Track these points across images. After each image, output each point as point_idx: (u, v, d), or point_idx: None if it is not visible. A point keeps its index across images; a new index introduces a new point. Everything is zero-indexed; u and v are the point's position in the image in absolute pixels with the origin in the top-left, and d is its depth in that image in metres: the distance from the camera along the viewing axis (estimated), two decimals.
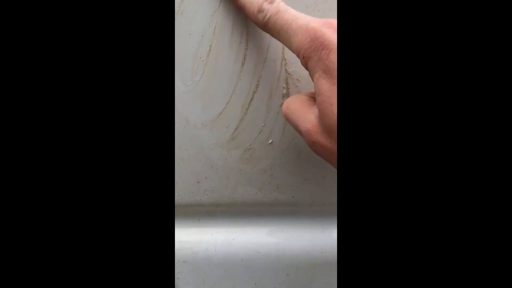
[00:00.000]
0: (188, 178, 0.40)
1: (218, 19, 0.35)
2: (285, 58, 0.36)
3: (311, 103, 0.29)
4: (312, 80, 0.27)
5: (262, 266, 0.43)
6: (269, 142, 0.39)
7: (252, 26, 0.35)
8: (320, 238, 0.43)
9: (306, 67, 0.27)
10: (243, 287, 0.44)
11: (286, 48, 0.35)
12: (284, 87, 0.36)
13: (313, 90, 0.28)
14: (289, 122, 0.31)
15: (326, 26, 0.26)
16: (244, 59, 0.36)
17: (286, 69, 0.36)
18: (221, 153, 0.39)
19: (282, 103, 0.37)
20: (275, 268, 0.43)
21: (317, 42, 0.25)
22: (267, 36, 0.34)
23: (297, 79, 0.36)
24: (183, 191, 0.41)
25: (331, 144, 0.26)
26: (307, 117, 0.28)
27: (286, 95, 0.37)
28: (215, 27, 0.35)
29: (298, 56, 0.27)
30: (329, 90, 0.25)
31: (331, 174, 0.40)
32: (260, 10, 0.29)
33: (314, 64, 0.26)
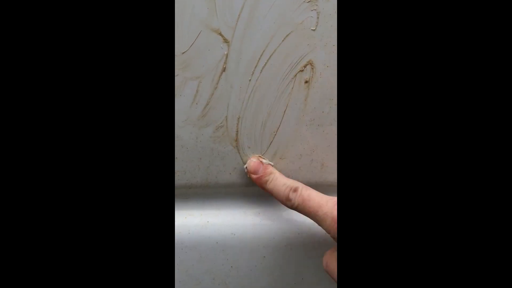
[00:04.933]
0: None
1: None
2: None
3: None
4: None
5: (238, 248, 0.39)
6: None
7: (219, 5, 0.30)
8: (297, 219, 0.39)
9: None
10: (219, 270, 0.39)
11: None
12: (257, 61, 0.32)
13: None
14: (330, 276, 0.32)
15: None
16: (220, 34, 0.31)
17: None
18: (192, 131, 0.34)
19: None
20: (251, 250, 0.39)
21: None
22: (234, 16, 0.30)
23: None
24: None
25: None
26: None
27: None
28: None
29: (328, 234, 0.30)
30: None
31: (306, 153, 0.36)
32: (288, 200, 0.33)
33: None
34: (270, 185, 0.35)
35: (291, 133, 0.35)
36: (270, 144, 0.35)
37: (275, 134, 0.35)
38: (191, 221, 0.39)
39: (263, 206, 0.39)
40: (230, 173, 0.36)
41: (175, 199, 0.38)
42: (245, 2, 0.30)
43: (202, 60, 0.31)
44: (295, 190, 0.32)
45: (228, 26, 0.30)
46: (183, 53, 0.31)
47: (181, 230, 0.38)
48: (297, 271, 0.40)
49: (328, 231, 0.30)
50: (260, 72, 0.32)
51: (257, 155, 0.36)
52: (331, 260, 0.31)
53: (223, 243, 0.39)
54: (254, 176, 0.35)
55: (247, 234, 0.39)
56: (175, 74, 0.32)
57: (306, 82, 0.32)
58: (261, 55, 0.31)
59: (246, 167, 0.36)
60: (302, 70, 0.32)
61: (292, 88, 0.33)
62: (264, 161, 0.36)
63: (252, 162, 0.35)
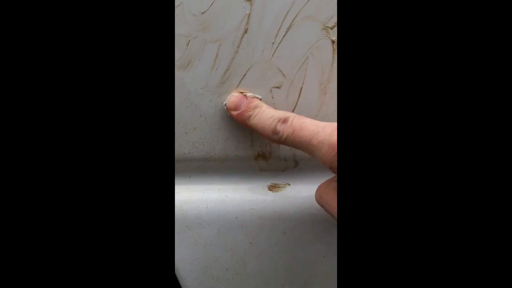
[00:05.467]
0: (175, 129, 0.34)
1: None
2: None
3: None
4: None
5: (257, 224, 0.37)
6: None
7: None
8: None
9: (335, 172, 0.27)
10: (238, 246, 0.38)
11: None
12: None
13: None
14: (323, 208, 0.29)
15: None
16: None
17: None
18: (211, 99, 0.32)
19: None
20: (271, 226, 0.37)
21: None
22: None
23: None
24: None
25: None
26: None
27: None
28: None
29: (324, 164, 0.27)
30: None
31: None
32: (275, 133, 0.28)
33: None
34: (254, 120, 0.29)
35: (315, 101, 0.33)
36: (293, 112, 0.33)
37: (297, 102, 0.33)
38: (209, 196, 0.37)
39: (285, 181, 0.38)
40: (250, 145, 0.35)
41: (193, 172, 0.37)
42: None
43: (223, 21, 0.29)
44: (285, 120, 0.28)
45: None
46: (202, 13, 0.29)
47: (199, 204, 0.37)
48: (318, 248, 0.38)
49: (323, 161, 0.26)
50: (284, 34, 0.30)
51: (240, 90, 0.30)
52: (325, 192, 0.28)
53: (242, 219, 0.37)
54: (234, 113, 0.30)
55: (267, 209, 0.37)
56: (194, 36, 0.30)
57: (333, 42, 0.30)
58: (285, 15, 0.29)
59: (225, 104, 0.30)
60: (329, 32, 0.30)
61: (318, 52, 0.31)
62: (248, 94, 0.30)
63: (233, 96, 0.30)
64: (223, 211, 0.37)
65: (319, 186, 0.29)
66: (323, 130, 0.26)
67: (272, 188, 0.38)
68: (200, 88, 0.32)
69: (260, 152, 0.35)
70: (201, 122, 0.33)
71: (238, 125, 0.33)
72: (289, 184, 0.37)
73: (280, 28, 0.30)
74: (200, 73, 0.31)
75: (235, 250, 0.38)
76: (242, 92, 0.30)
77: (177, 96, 0.32)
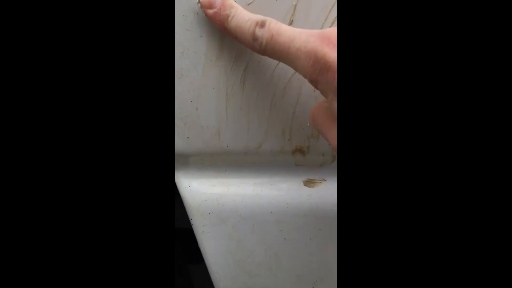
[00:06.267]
0: (214, 123, 0.33)
1: None
2: None
3: (335, 116, 0.24)
4: (327, 99, 0.24)
5: (293, 219, 0.37)
6: None
7: None
8: None
9: (317, 88, 0.24)
10: (272, 242, 0.38)
11: None
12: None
13: None
14: (317, 130, 0.28)
15: (325, 43, 0.23)
16: None
17: None
18: None
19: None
20: (306, 222, 0.37)
21: (320, 64, 0.23)
22: None
23: None
24: (207, 136, 0.34)
25: None
26: (333, 133, 0.25)
27: None
28: None
29: (304, 78, 0.25)
30: None
31: None
32: (255, 39, 0.26)
33: (323, 86, 0.23)
34: (232, 23, 0.27)
35: None
36: None
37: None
38: (245, 190, 0.37)
39: (321, 175, 0.37)
40: (289, 139, 0.34)
41: (229, 166, 0.37)
42: None
43: (269, 12, 0.29)
44: (262, 24, 0.25)
45: None
46: (248, 4, 0.28)
47: (235, 198, 0.37)
48: None
49: (304, 73, 0.24)
50: (330, 26, 0.29)
51: None
52: (317, 113, 0.27)
53: (277, 214, 0.37)
54: (210, 12, 0.28)
55: (303, 205, 0.36)
56: None
57: None
58: (332, 7, 0.28)
59: (198, 1, 0.28)
60: None
61: None
62: None
63: None
64: (258, 205, 0.37)
65: (311, 108, 0.27)
66: (299, 36, 0.24)
67: (308, 183, 0.37)
68: (240, 81, 0.31)
69: (298, 146, 0.35)
70: (239, 115, 0.33)
71: (277, 118, 0.33)
72: (325, 180, 0.37)
73: (326, 20, 0.29)
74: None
75: (269, 245, 0.38)
76: None
77: (214, 88, 0.32)
